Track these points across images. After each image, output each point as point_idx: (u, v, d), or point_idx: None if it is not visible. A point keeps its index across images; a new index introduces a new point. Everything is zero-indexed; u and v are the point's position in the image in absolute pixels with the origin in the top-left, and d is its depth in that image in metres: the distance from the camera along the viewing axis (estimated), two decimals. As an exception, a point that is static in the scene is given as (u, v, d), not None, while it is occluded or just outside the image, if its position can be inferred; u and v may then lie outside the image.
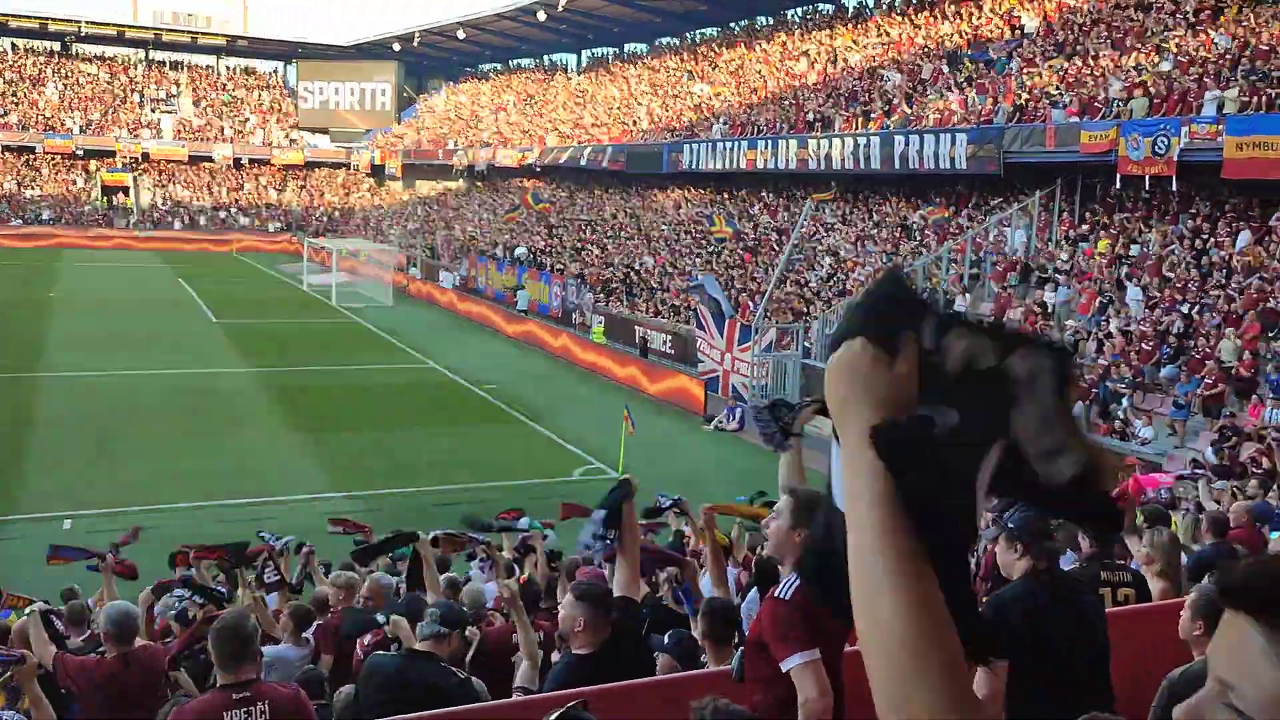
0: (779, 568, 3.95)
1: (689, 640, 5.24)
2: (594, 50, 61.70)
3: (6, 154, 63.13)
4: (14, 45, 70.34)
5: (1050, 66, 25.45)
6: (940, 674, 0.93)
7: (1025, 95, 24.74)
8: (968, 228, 25.33)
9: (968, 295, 22.77)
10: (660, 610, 6.07)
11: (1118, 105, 21.55)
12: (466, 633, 6.56)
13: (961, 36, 31.32)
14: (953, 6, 33.61)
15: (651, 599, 6.06)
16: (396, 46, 69.29)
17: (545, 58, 66.15)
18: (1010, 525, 4.06)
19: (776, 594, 3.60)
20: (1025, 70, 26.18)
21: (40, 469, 17.28)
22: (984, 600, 5.16)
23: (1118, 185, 21.56)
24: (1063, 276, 21.20)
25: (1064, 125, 22.22)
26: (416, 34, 65.53)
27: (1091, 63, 24.35)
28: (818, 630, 3.48)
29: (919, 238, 26.62)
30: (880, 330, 1.01)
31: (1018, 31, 29.19)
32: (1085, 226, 22.79)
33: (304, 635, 6.29)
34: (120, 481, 16.73)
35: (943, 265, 24.00)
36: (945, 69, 29.73)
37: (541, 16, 53.31)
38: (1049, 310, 20.51)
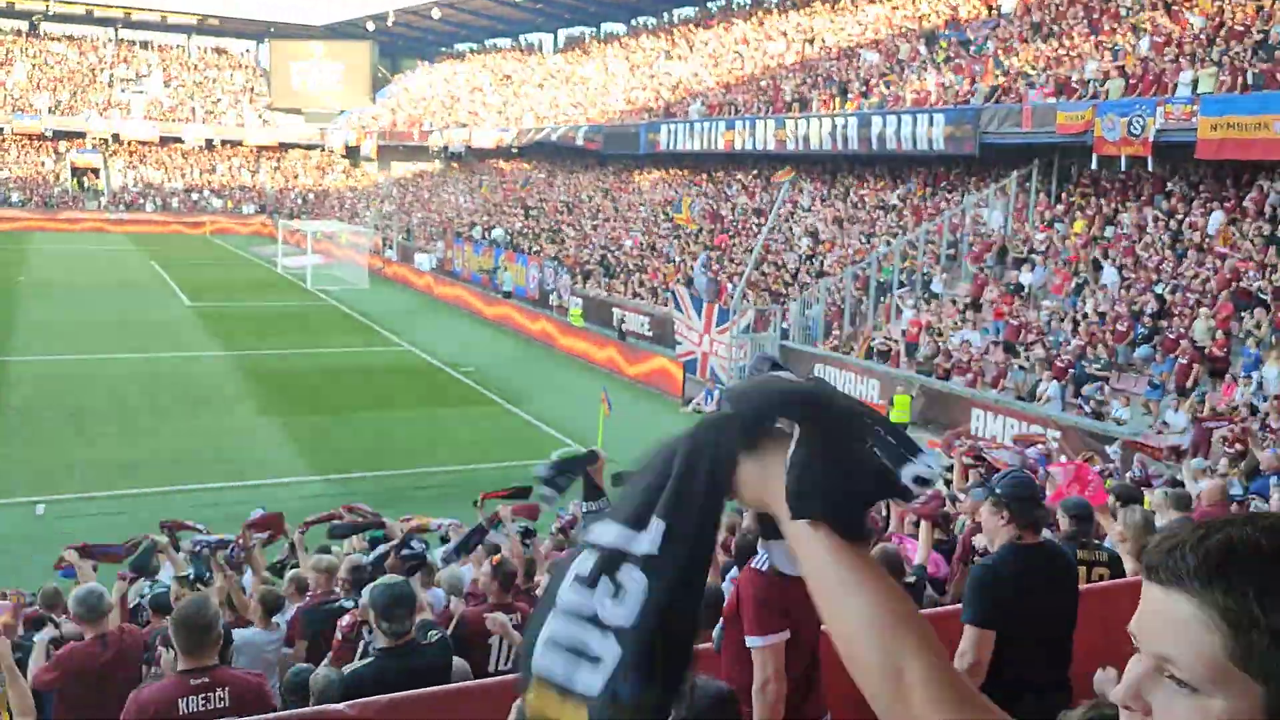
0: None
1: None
2: (571, 30, 61.34)
3: (-27, 135, 62.19)
4: (-21, 24, 69.21)
5: (1027, 47, 25.49)
6: (921, 641, 0.99)
7: (1002, 76, 24.78)
8: (945, 209, 25.39)
9: (944, 275, 22.85)
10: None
11: (1094, 86, 21.61)
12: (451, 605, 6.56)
13: (939, 17, 31.31)
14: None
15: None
16: (371, 26, 68.54)
17: (521, 37, 65.71)
18: (998, 491, 4.05)
19: (754, 564, 3.59)
20: (1002, 51, 26.21)
21: (13, 454, 17.08)
22: (971, 565, 5.17)
23: (1094, 166, 21.65)
24: (1039, 257, 21.29)
25: (1040, 106, 22.27)
26: (391, 13, 64.85)
27: (1068, 43, 24.40)
28: (793, 606, 3.45)
29: (896, 218, 26.66)
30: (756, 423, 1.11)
31: (995, 12, 29.22)
32: (1061, 207, 22.89)
33: (274, 620, 6.23)
34: (94, 465, 16.56)
35: (919, 246, 24.05)
36: (923, 50, 29.73)
37: (517, -5, 52.94)
38: (1024, 291, 20.62)
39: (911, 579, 5.86)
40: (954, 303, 21.42)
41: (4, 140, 62.78)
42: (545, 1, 54.60)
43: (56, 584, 8.21)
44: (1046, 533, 6.26)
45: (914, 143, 25.52)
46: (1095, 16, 24.91)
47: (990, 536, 4.15)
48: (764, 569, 3.52)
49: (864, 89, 29.57)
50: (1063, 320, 18.65)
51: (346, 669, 4.53)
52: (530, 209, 43.59)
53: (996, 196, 24.34)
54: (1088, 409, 16.27)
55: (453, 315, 34.88)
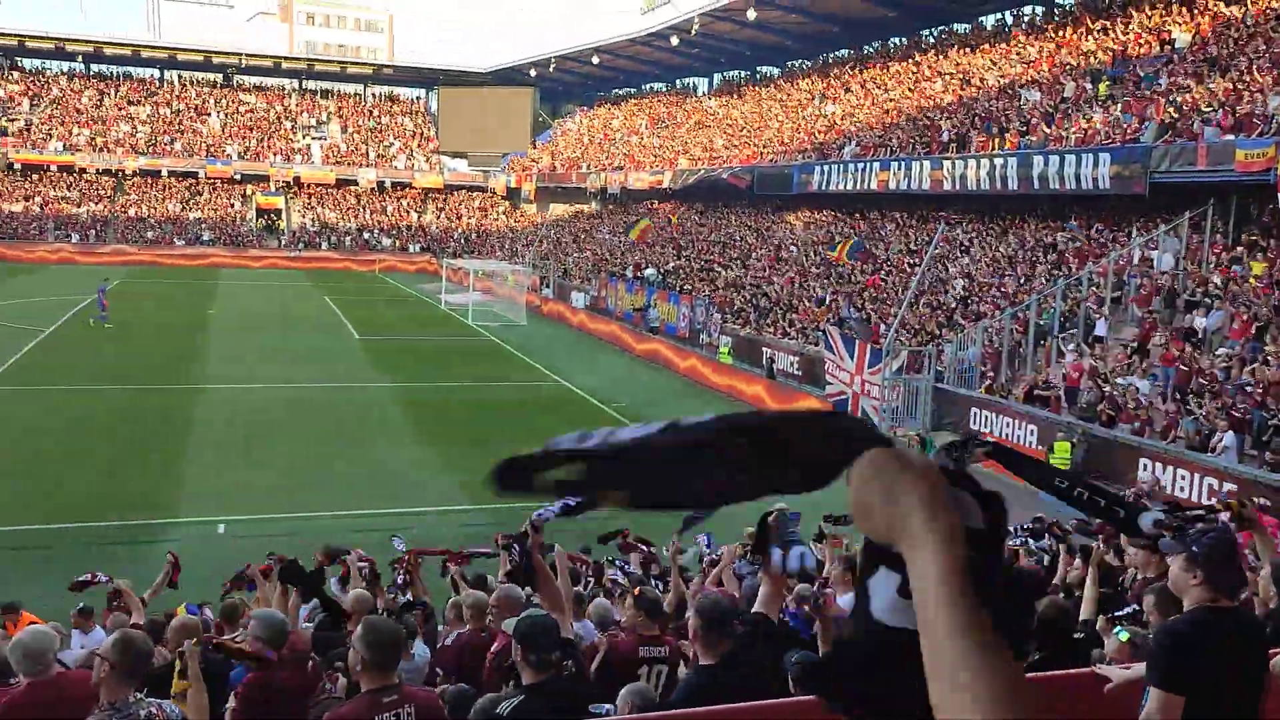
0: None
1: (811, 662, 5.26)
2: (725, 73, 62.03)
3: (172, 179, 67.29)
4: (180, 77, 75.01)
5: (1201, 83, 24.42)
6: None
7: (1174, 112, 23.79)
8: (1110, 250, 24.46)
9: (1107, 319, 21.99)
10: (784, 635, 6.09)
11: (1276, 122, 20.52)
12: (596, 641, 6.71)
13: (1106, 53, 30.32)
14: (1098, 22, 32.59)
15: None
16: (533, 72, 71.10)
17: (677, 81, 66.81)
18: (1195, 548, 3.82)
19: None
20: (1175, 87, 25.18)
21: (197, 475, 18.32)
22: (1153, 622, 4.94)
23: (1277, 205, 20.51)
24: (1214, 300, 20.26)
25: (1217, 144, 21.27)
26: (552, 60, 67.10)
27: (1247, 78, 23.26)
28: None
29: (1059, 259, 25.82)
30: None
31: (1168, 47, 28.11)
32: (1240, 249, 21.73)
33: (411, 651, 6.43)
34: (268, 488, 17.62)
35: (1083, 288, 23.22)
36: (1089, 87, 28.84)
37: (674, 41, 53.93)
38: (1199, 336, 19.64)
39: (1080, 634, 5.71)
40: (1124, 347, 20.58)
41: (199, 183, 67.72)
42: (701, 46, 55.41)
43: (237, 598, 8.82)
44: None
45: (1078, 182, 24.74)
46: (1278, 50, 23.68)
47: (1179, 591, 3.91)
48: None
49: (1024, 128, 28.86)
50: (1241, 367, 17.67)
51: (502, 707, 4.35)
52: (683, 248, 44.11)
53: (1167, 238, 23.29)
54: (1268, 461, 15.35)
55: (605, 351, 35.54)
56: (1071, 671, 4.62)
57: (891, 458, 1.03)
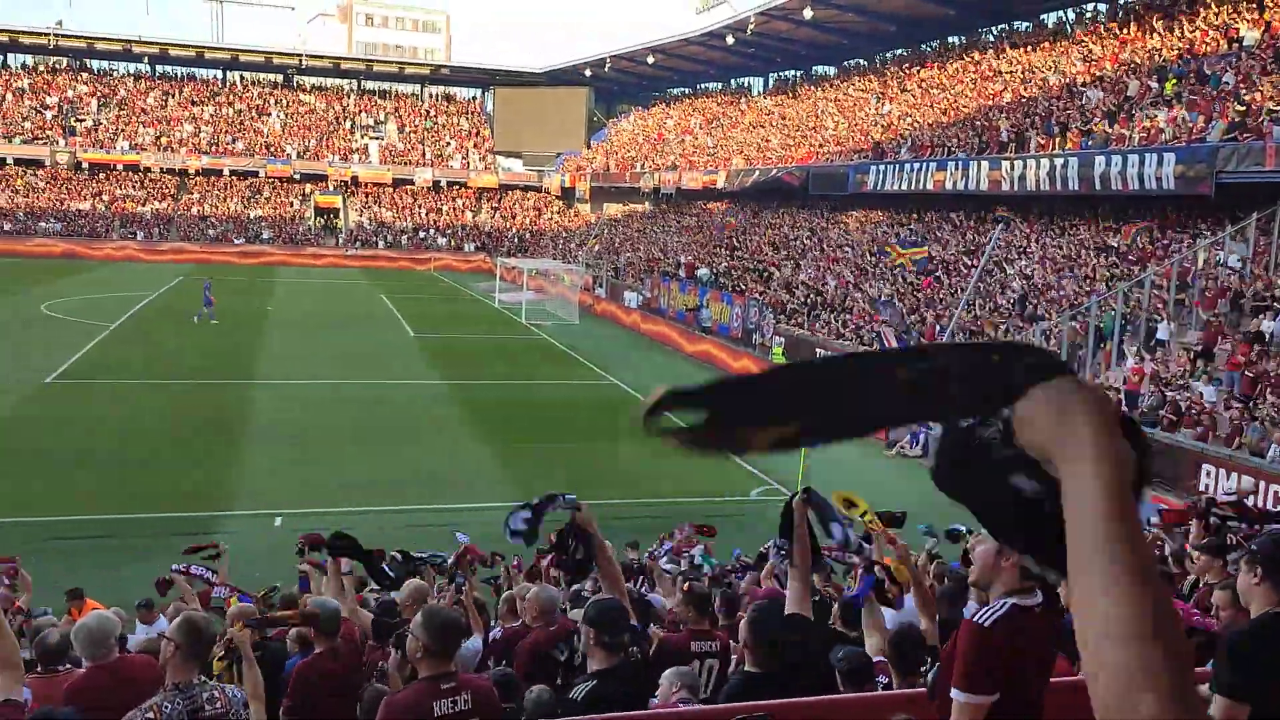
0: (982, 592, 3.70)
1: (860, 658, 5.22)
2: (781, 73, 61.74)
3: (233, 178, 68.59)
4: (242, 78, 76.43)
5: (1271, 80, 23.82)
6: (1171, 670, 0.90)
7: (1242, 111, 23.23)
8: (1173, 252, 23.95)
9: (1171, 323, 21.54)
10: (827, 631, 6.06)
11: (1348, 121, 19.96)
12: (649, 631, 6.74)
13: (1171, 51, 29.70)
14: (1163, 20, 31.94)
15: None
16: (588, 72, 71.36)
17: (732, 81, 66.65)
18: (1253, 548, 3.77)
19: (977, 618, 3.40)
20: (1243, 85, 24.59)
21: (254, 470, 18.66)
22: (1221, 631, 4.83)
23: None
24: (1282, 304, 19.75)
25: (1286, 143, 20.73)
26: (608, 60, 67.27)
27: (1319, 76, 22.66)
28: (1010, 670, 3.29)
29: (1119, 260, 25.35)
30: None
31: (1236, 45, 27.47)
32: (1310, 251, 21.15)
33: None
34: (323, 482, 17.88)
35: (1145, 290, 22.76)
36: (1153, 85, 28.27)
37: (730, 41, 53.78)
38: (1267, 339, 19.17)
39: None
40: (1187, 351, 20.15)
41: (259, 182, 68.94)
42: (757, 46, 55.19)
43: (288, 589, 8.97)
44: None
45: (1140, 183, 24.26)
46: (1352, 46, 23.03)
47: (1245, 598, 3.81)
48: (985, 624, 3.31)
49: (1086, 127, 28.38)
50: (1308, 372, 17.21)
51: (575, 691, 4.36)
52: (736, 248, 43.99)
53: (1234, 239, 22.75)
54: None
55: (657, 351, 35.55)
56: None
57: (1073, 381, 1.05)
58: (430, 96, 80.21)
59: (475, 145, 76.05)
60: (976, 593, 4.54)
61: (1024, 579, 3.37)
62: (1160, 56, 29.84)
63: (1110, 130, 27.14)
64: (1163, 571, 7.23)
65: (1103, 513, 0.97)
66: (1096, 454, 0.99)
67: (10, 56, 72.18)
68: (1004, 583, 3.36)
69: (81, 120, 68.42)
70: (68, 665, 5.34)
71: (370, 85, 79.03)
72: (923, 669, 4.75)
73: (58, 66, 72.20)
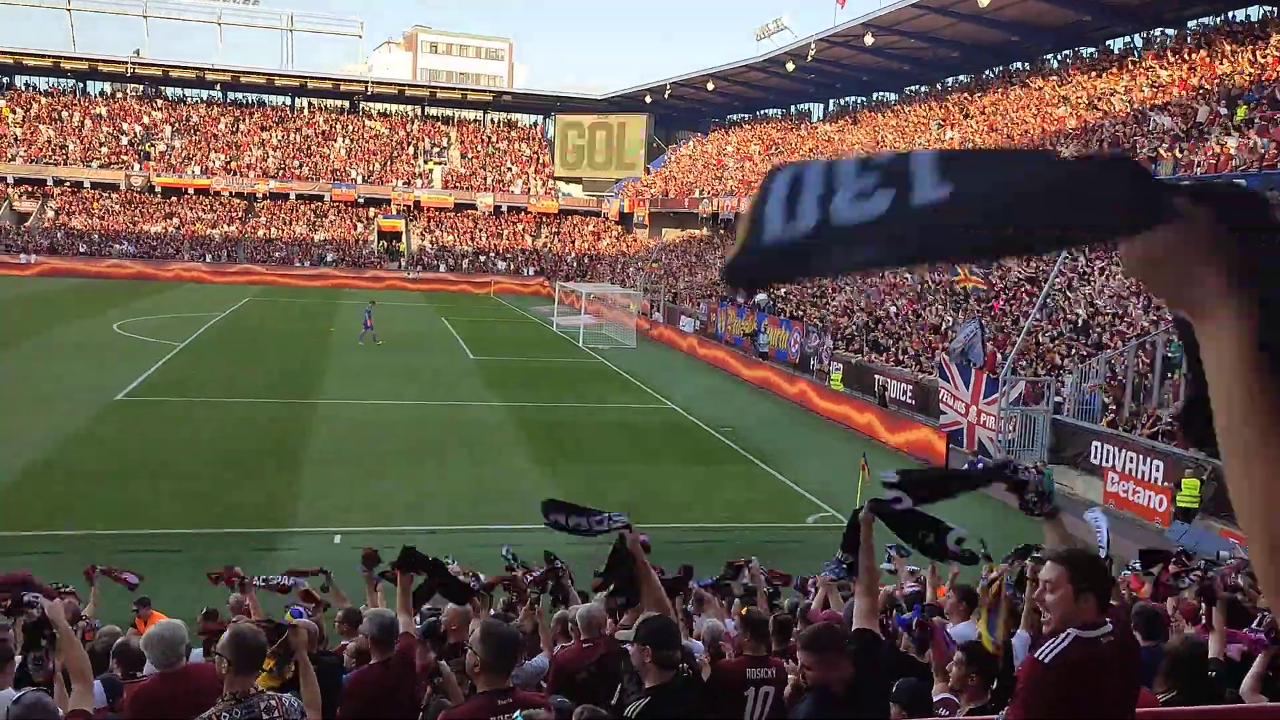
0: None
1: (920, 690, 5.14)
2: (841, 99, 61.61)
3: (299, 202, 70.04)
4: (310, 104, 78.16)
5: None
6: None
7: (1317, 137, 22.69)
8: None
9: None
10: (896, 656, 5.97)
11: None
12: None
13: (1243, 76, 29.12)
14: (1233, 45, 31.35)
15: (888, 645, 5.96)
16: (648, 98, 71.83)
17: (792, 107, 66.63)
18: None
19: (1039, 654, 3.29)
20: (1317, 110, 24.03)
21: (315, 487, 18.91)
22: None
23: None
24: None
25: (1363, 169, 20.20)
26: (668, 86, 67.67)
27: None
28: (1074, 707, 3.17)
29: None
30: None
31: (1309, 69, 26.89)
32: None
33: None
34: (382, 501, 18.07)
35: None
36: (1223, 111, 27.72)
37: (790, 67, 53.85)
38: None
39: (1213, 673, 5.45)
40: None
41: (324, 206, 70.30)
42: (817, 72, 55.17)
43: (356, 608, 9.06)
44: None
45: (1211, 209, 23.72)
46: None
47: None
48: (1046, 660, 3.21)
49: (1153, 153, 27.89)
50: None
51: (630, 709, 4.31)
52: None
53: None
54: None
55: (713, 376, 35.47)
56: (1206, 709, 4.42)
57: (1204, 225, 0.96)
58: (492, 122, 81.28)
59: (536, 170, 76.83)
60: (1028, 618, 4.46)
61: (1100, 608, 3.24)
62: (1231, 82, 29.27)
63: (1179, 155, 26.65)
64: (1234, 601, 7.04)
65: (1245, 371, 0.92)
66: (1226, 316, 0.94)
67: (90, 84, 74.68)
68: (1076, 616, 3.23)
69: (155, 145, 70.44)
70: (143, 672, 5.47)
71: (434, 111, 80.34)
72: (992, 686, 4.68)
73: (134, 94, 74.48)
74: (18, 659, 5.33)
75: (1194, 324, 0.98)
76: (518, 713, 3.85)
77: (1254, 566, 0.93)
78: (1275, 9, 32.82)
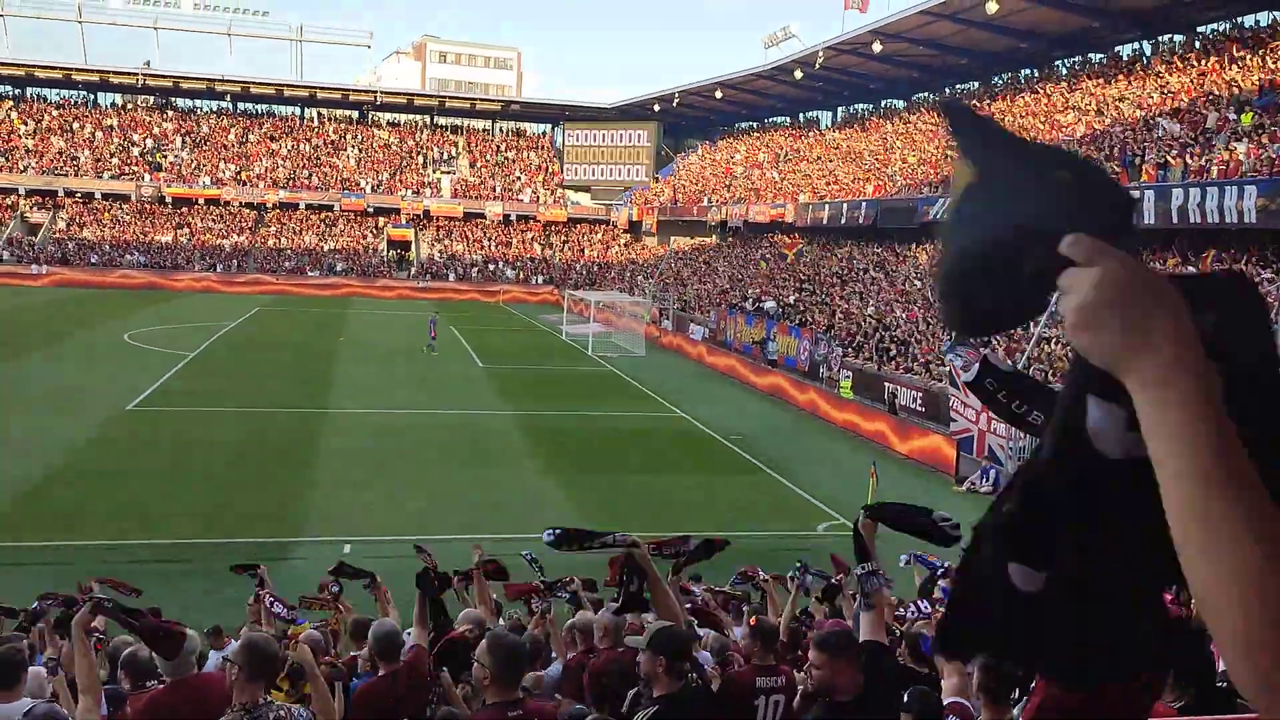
0: None
1: (933, 700, 5.10)
2: (850, 107, 61.62)
3: (309, 211, 70.27)
4: (319, 114, 78.46)
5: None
6: None
7: (1327, 143, 22.60)
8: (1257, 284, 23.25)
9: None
10: (899, 668, 5.93)
11: None
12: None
13: (1252, 82, 29.03)
14: (1243, 50, 31.26)
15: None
16: (657, 107, 71.91)
17: (800, 115, 66.66)
18: None
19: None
20: (1328, 116, 23.94)
21: (325, 496, 18.94)
22: None
23: None
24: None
25: (1374, 174, 20.10)
26: (676, 95, 67.74)
27: None
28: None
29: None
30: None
31: (1319, 74, 26.79)
32: (1400, 286, 20.42)
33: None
34: (391, 510, 18.08)
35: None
36: (1232, 117, 27.63)
37: (798, 75, 53.87)
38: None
39: (1223, 685, 5.41)
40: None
41: (334, 215, 70.53)
42: (825, 80, 55.17)
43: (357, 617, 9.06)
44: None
45: (1220, 215, 23.67)
46: None
47: None
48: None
49: (1162, 160, 27.81)
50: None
51: (639, 717, 4.33)
52: (804, 282, 43.78)
53: (1320, 273, 22.06)
54: None
55: (723, 384, 35.45)
56: (1217, 718, 4.39)
57: (1141, 276, 0.90)
58: (501, 131, 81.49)
59: (545, 180, 76.98)
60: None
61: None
62: (1240, 88, 29.19)
63: (1188, 162, 26.57)
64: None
65: (1200, 440, 0.83)
66: (1175, 379, 0.85)
67: (101, 95, 75.10)
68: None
69: (166, 156, 70.77)
70: (154, 682, 5.47)
71: (443, 121, 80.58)
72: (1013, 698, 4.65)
73: (144, 105, 74.88)
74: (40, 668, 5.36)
75: (1139, 390, 0.88)
76: None
77: (1224, 662, 0.81)
78: (1285, 14, 32.72)
